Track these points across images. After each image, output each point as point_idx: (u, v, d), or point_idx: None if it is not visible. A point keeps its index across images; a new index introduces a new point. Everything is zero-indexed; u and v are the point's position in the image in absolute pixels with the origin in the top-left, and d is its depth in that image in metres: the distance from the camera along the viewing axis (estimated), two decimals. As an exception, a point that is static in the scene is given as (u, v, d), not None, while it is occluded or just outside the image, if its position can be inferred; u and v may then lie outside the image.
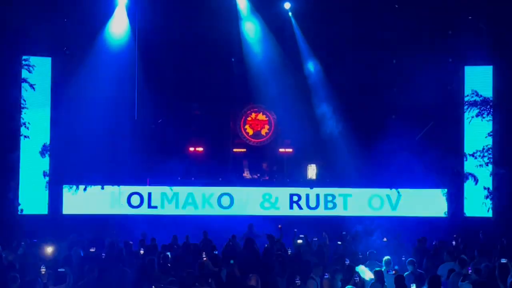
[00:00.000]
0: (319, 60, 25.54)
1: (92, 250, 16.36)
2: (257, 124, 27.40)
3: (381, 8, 23.68)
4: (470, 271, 13.33)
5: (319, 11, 24.03)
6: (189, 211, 23.83)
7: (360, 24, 23.81)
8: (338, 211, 23.79)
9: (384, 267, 14.22)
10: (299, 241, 17.91)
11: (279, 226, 19.60)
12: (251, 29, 25.46)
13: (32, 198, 23.01)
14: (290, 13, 25.28)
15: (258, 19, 25.25)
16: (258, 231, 20.77)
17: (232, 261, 13.94)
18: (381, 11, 23.65)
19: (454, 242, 18.62)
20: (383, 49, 24.37)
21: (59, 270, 13.47)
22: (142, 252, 16.69)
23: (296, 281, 12.59)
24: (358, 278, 13.09)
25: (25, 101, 22.83)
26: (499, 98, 23.62)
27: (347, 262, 14.39)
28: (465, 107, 24.04)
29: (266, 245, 17.61)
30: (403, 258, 15.76)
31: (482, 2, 22.76)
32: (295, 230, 19.26)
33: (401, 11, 23.75)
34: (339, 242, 18.42)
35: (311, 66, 25.77)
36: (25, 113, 22.82)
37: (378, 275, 13.23)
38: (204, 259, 15.09)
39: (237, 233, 19.85)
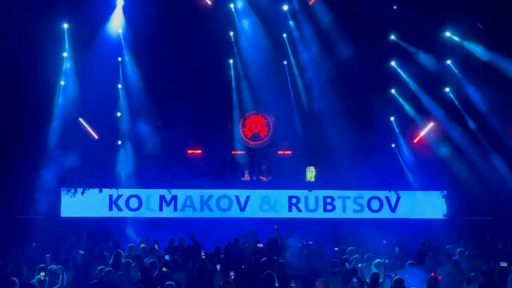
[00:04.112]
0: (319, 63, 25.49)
1: (81, 252, 16.44)
2: (256, 126, 27.36)
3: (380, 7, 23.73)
4: (472, 274, 13.31)
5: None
6: (188, 213, 23.76)
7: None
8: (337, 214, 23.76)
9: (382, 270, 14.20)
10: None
11: (276, 227, 19.57)
12: (248, 30, 25.43)
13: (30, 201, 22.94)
14: (288, 14, 25.28)
15: (255, 20, 25.21)
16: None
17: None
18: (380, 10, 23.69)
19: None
20: (381, 48, 24.50)
21: (52, 268, 13.53)
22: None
23: (292, 285, 12.60)
24: (356, 282, 13.06)
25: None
26: None
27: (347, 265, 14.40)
28: None
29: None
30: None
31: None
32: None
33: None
34: (336, 248, 18.41)
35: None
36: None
37: (374, 278, 13.18)
38: (203, 257, 15.17)
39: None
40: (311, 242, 18.46)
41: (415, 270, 14.23)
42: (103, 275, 13.25)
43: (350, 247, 17.35)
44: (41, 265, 13.66)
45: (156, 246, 17.88)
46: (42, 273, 12.59)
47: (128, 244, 18.08)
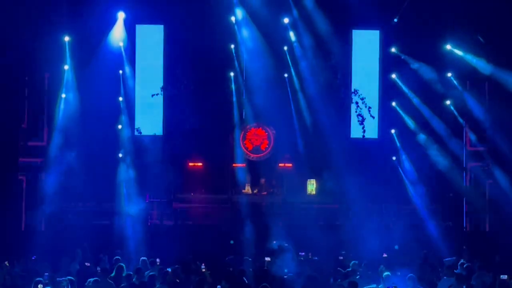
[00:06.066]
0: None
1: (87, 264, 16.37)
2: (257, 139, 27.34)
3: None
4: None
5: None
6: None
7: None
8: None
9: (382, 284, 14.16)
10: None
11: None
12: (248, 42, 25.47)
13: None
14: (288, 27, 25.31)
15: (256, 32, 25.25)
16: None
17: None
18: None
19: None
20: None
21: (58, 279, 13.51)
22: None
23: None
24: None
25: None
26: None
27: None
28: None
29: None
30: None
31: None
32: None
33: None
34: (341, 258, 18.36)
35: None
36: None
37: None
38: (204, 269, 15.14)
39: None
40: (310, 256, 18.40)
41: (415, 283, 14.17)
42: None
43: (354, 261, 17.27)
44: (38, 278, 13.59)
45: (157, 260, 17.78)
46: (40, 286, 12.50)
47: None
